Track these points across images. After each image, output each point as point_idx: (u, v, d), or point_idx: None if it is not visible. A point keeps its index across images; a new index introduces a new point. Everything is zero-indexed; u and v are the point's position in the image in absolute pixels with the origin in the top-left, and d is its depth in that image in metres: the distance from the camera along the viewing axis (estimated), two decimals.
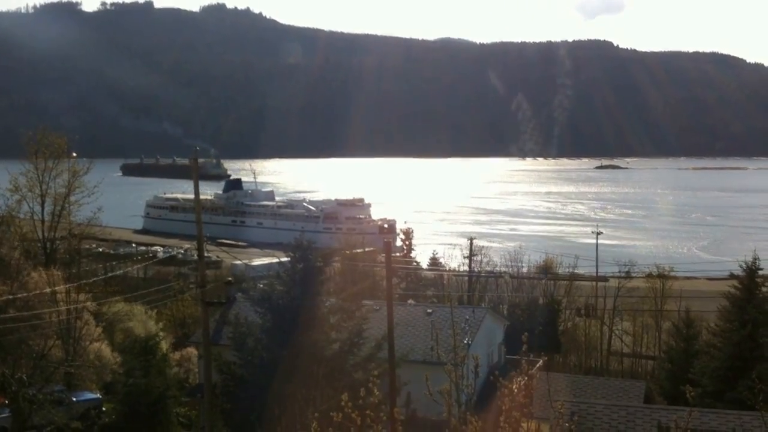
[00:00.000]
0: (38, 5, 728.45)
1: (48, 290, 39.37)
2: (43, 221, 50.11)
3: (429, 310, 40.96)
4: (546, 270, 69.97)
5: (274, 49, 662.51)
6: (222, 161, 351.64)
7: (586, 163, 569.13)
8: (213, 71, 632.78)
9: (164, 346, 50.22)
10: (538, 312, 58.56)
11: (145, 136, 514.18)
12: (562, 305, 63.68)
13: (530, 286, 65.71)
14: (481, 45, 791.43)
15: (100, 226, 56.22)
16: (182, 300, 64.42)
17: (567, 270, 71.62)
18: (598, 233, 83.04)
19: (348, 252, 65.07)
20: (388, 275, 24.43)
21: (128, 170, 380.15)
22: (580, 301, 69.44)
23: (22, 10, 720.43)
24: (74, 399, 38.31)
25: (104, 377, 41.92)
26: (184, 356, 51.52)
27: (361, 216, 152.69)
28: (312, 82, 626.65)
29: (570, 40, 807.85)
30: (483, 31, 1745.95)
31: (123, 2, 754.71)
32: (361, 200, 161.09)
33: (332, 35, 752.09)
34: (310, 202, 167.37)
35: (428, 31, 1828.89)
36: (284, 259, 33.65)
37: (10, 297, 36.69)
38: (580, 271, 72.35)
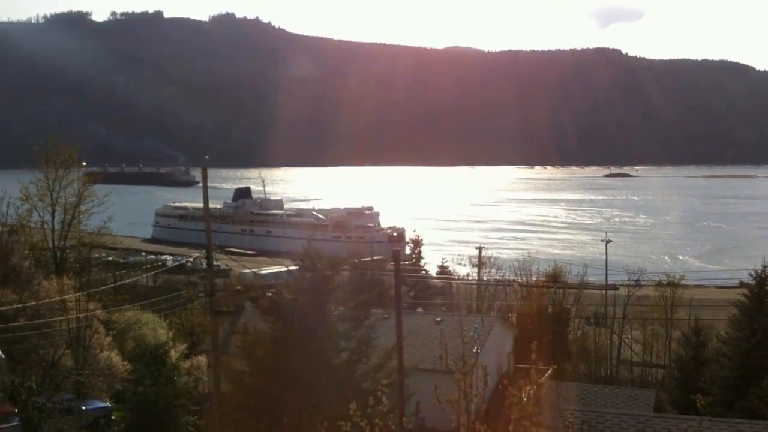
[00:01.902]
0: (48, 15, 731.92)
1: (58, 299, 39.57)
2: (53, 230, 50.34)
3: (438, 319, 40.88)
4: (555, 278, 69.78)
5: (283, 58, 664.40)
6: (190, 168, 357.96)
7: (595, 171, 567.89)
8: (222, 81, 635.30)
9: (174, 354, 50.33)
10: (547, 321, 58.36)
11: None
12: (571, 314, 63.49)
13: (539, 295, 65.50)
14: (489, 53, 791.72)
15: (110, 235, 56.52)
16: (192, 308, 64.55)
17: (576, 278, 71.42)
18: (608, 241, 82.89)
19: (356, 260, 65.08)
20: (397, 283, 24.44)
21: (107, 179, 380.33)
22: (590, 309, 69.22)
23: (32, 21, 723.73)
24: (83, 408, 38.36)
25: (114, 386, 41.99)
26: (193, 365, 51.55)
27: (369, 224, 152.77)
28: (320, 90, 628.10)
29: (579, 48, 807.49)
30: (491, 40, 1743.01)
31: (133, 12, 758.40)
32: (370, 208, 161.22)
33: (340, 44, 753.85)
34: (319, 211, 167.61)
35: (437, 40, 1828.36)
36: (293, 267, 33.66)
37: (21, 305, 36.89)
38: (589, 279, 72.14)
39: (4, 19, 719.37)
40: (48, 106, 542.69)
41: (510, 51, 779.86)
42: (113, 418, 40.54)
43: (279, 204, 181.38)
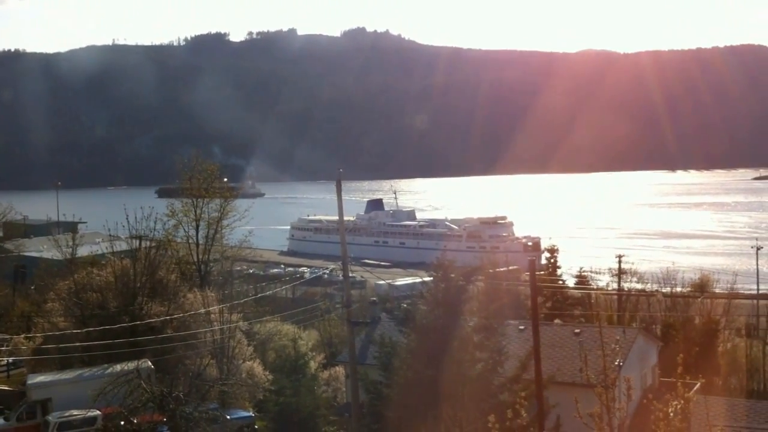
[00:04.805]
0: (189, 38, 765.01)
1: (203, 311, 41.12)
2: (198, 244, 52.03)
3: (577, 330, 39.86)
4: (702, 288, 66.69)
5: (413, 70, 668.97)
6: (257, 183, 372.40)
7: (742, 174, 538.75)
8: (354, 93, 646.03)
9: (313, 365, 51.46)
10: (694, 332, 55.83)
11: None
12: (720, 325, 60.46)
13: (685, 305, 62.76)
14: (626, 55, 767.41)
15: (250, 249, 58.26)
16: (329, 319, 65.82)
17: (725, 287, 68.02)
18: (758, 248, 78.68)
19: (491, 270, 64.35)
20: (533, 294, 23.89)
21: (163, 193, 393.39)
22: (740, 320, 65.72)
23: (174, 43, 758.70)
24: (228, 417, 39.59)
25: (256, 395, 43.12)
26: (332, 375, 52.51)
27: (503, 234, 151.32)
28: (451, 100, 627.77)
29: (722, 45, 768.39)
30: (626, 41, 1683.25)
31: (268, 31, 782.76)
32: (504, 218, 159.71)
33: (470, 53, 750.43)
34: (452, 221, 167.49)
35: (568, 44, 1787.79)
36: (427, 278, 33.67)
37: (168, 317, 38.59)
38: (739, 288, 68.50)
39: (147, 43, 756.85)
40: (184, 125, 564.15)
41: (648, 52, 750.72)
42: (256, 427, 41.62)
43: (411, 215, 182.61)
